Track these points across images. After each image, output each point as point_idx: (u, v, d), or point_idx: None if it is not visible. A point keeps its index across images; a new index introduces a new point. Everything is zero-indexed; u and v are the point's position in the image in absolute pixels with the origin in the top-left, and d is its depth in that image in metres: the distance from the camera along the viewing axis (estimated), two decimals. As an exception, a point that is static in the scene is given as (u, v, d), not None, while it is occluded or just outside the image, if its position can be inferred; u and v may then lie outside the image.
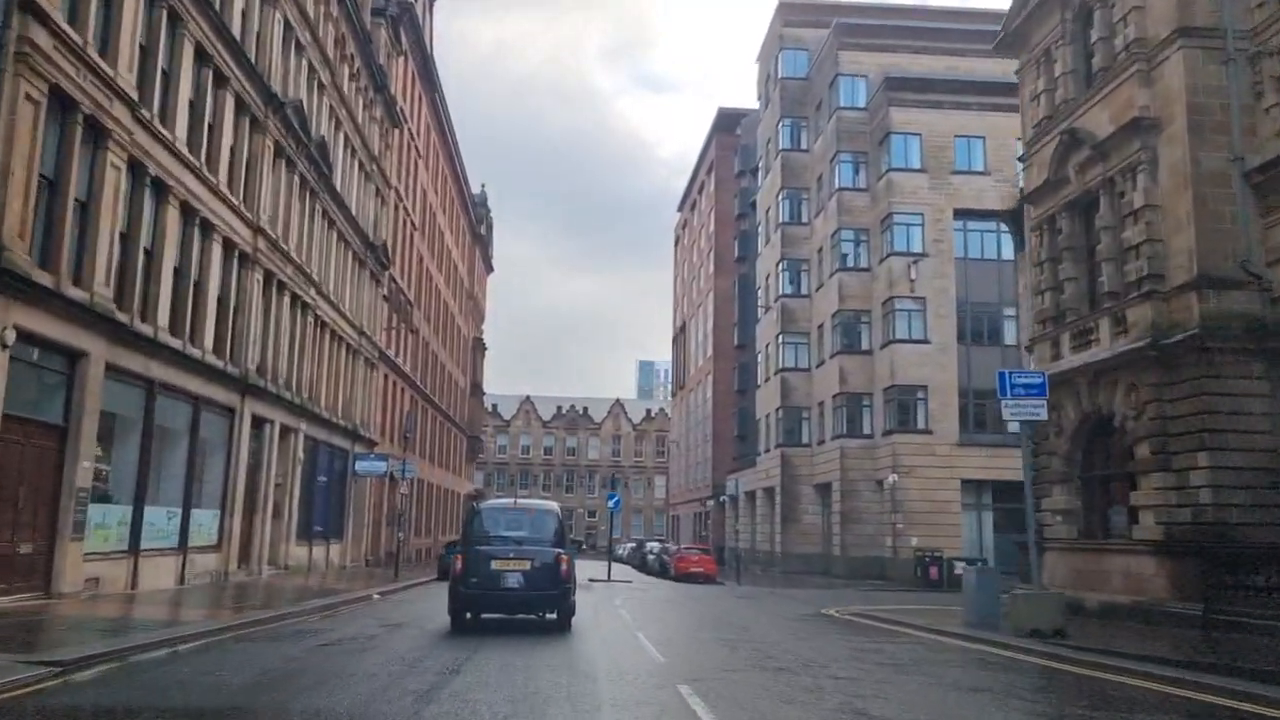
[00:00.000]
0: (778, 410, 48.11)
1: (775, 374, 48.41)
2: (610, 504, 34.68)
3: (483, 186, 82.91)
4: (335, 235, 33.85)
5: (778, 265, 49.26)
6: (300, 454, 30.09)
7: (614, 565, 63.71)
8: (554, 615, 15.01)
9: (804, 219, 48.83)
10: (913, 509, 38.62)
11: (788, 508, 46.31)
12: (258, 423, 26.60)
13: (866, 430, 41.94)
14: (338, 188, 33.57)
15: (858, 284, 42.84)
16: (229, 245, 23.66)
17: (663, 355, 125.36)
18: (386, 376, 44.67)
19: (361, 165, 37.50)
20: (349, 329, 36.25)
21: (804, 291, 48.20)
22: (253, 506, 26.48)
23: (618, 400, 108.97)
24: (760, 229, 55.06)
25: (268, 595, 21.06)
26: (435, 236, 58.24)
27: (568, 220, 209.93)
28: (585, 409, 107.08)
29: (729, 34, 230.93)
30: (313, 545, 32.48)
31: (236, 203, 23.89)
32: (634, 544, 69.82)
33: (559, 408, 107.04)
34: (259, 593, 21.47)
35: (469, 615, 14.88)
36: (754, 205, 61.23)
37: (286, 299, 28.25)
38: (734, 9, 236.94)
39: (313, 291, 30.79)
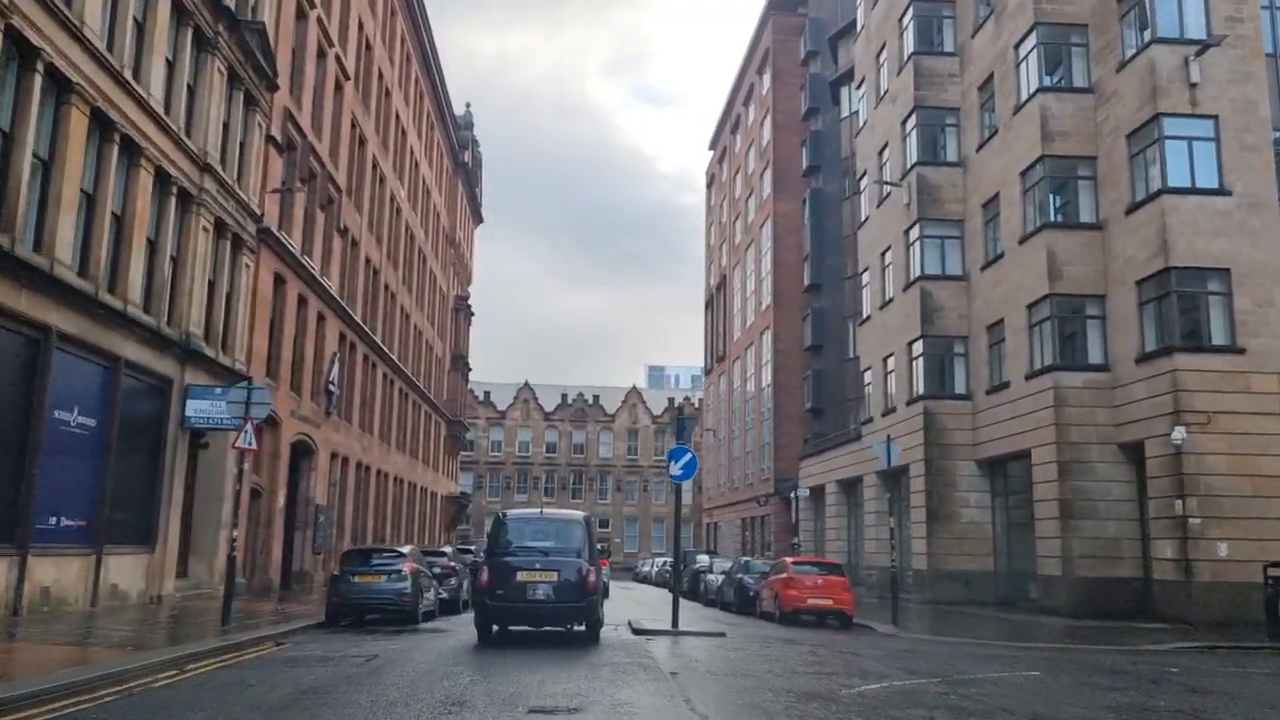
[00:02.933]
0: (912, 345, 30.47)
1: (908, 287, 30.77)
2: (676, 468, 16.89)
3: (468, 107, 65.63)
4: (103, -87, 16.44)
5: (905, 124, 31.75)
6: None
7: (641, 589, 45.04)
8: (582, 627, 14.26)
9: (948, 47, 31.36)
10: (1215, 490, 21.00)
11: (935, 497, 28.65)
12: None
13: (1096, 358, 24.32)
14: None
15: (1072, 113, 25.28)
16: None
17: (674, 361, 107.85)
18: (283, 282, 27.19)
19: None
20: (168, 147, 18.80)
21: (951, 157, 30.68)
22: None
23: (634, 388, 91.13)
24: (861, 91, 37.51)
25: None
26: (388, 119, 40.85)
27: (569, 234, 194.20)
28: (596, 398, 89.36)
29: (728, 48, 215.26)
30: (29, 556, 14.87)
31: None
32: (662, 559, 52.03)
33: (564, 396, 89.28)
34: None
35: (495, 629, 14.33)
36: (834, 89, 43.94)
37: None
38: (731, 23, 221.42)
39: (-1, -31, 13.35)
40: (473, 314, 67.67)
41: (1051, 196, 25.35)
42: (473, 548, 29.06)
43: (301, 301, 28.97)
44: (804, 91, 49.74)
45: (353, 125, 34.63)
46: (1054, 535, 23.84)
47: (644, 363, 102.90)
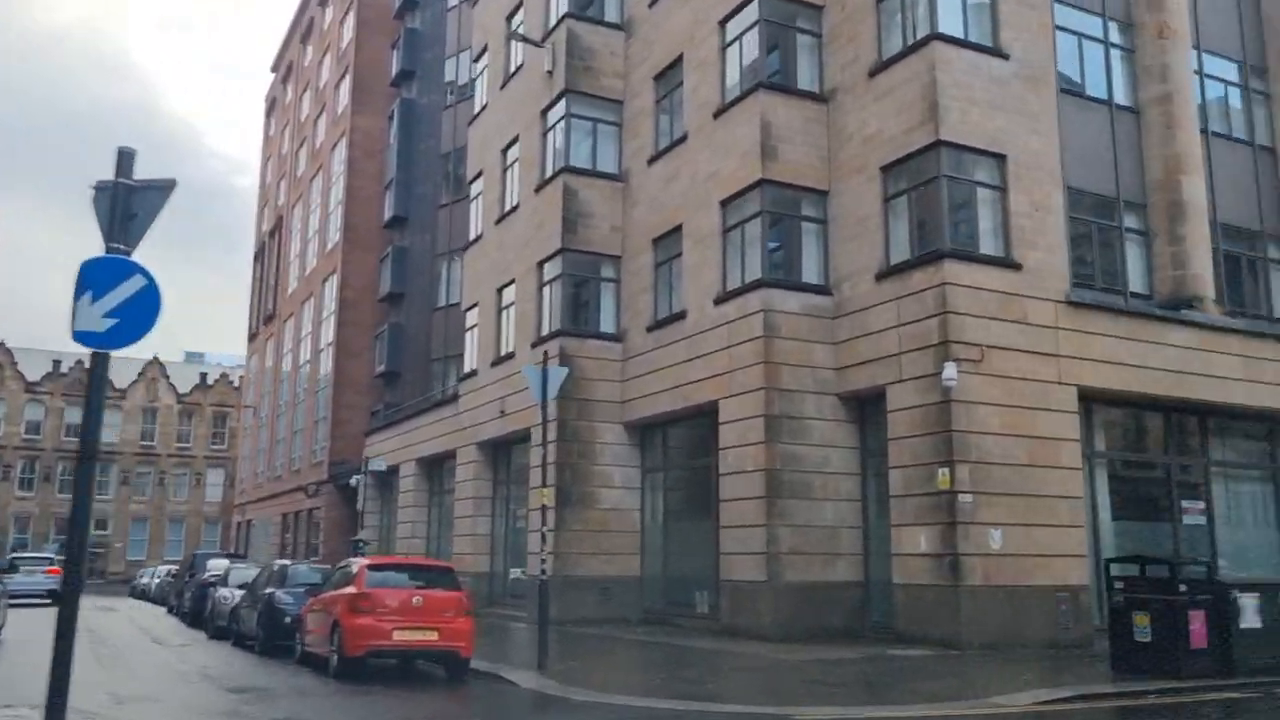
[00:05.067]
0: (545, 265, 22.06)
1: (544, 185, 22.28)
2: (96, 317, 6.64)
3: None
4: None
5: (549, -31, 23.43)
6: None
7: (133, 607, 32.91)
8: None
9: (613, -126, 23.54)
10: (989, 455, 14.83)
11: (569, 474, 20.37)
12: None
13: (812, 276, 17.48)
14: None
15: (795, -57, 18.39)
16: None
17: (218, 349, 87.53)
18: None
19: None
20: None
21: (611, 17, 22.83)
22: None
23: (155, 359, 73.56)
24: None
25: None
26: None
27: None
28: (102, 368, 70.96)
29: (282, 18, 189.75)
30: None
31: None
32: (166, 568, 38.89)
33: (57, 364, 69.85)
34: None
35: None
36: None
37: None
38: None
39: None
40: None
41: (765, 53, 18.22)
42: None
43: None
44: (399, -17, 39.91)
45: None
46: (753, 523, 16.47)
47: (181, 348, 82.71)
